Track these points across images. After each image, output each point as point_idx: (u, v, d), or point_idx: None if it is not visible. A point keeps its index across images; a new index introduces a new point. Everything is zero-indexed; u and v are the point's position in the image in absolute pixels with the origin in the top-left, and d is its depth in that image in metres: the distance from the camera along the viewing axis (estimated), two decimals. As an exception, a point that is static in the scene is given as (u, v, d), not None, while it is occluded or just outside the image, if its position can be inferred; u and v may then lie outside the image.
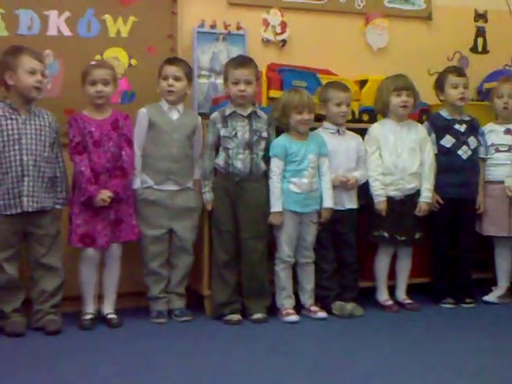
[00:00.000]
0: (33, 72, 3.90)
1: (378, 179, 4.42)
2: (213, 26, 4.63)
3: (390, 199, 4.44)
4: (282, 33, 4.87)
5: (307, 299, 4.35)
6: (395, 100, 4.48)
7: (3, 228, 3.89)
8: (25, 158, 3.90)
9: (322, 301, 4.38)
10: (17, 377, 3.27)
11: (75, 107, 4.17)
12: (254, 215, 4.23)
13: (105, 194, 4.01)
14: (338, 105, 4.39)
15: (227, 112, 4.24)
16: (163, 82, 4.22)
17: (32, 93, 3.92)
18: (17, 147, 3.89)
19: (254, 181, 4.24)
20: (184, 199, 4.26)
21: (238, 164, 4.20)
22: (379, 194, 4.43)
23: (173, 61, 4.27)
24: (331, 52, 4.94)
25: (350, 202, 4.43)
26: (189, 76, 4.28)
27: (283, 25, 4.86)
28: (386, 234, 4.45)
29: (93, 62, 4.13)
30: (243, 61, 4.28)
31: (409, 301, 4.57)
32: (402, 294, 4.62)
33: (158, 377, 3.27)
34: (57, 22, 4.32)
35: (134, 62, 4.48)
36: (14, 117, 3.92)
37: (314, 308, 4.32)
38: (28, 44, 4.06)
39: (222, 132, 4.21)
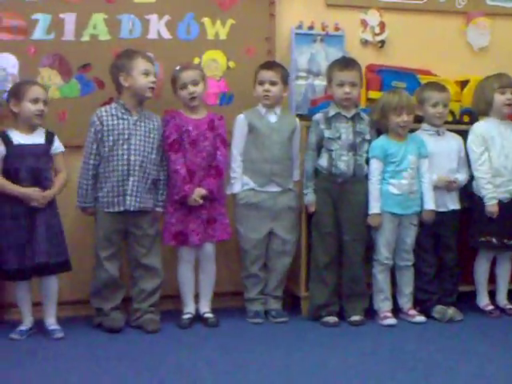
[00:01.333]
0: (147, 73, 4.00)
1: (490, 182, 4.29)
2: (311, 28, 4.61)
3: (498, 202, 4.31)
4: (380, 33, 4.80)
5: (405, 303, 4.27)
6: (500, 98, 4.35)
7: (105, 226, 3.99)
8: (132, 158, 3.98)
9: (422, 304, 4.29)
10: (114, 372, 3.34)
11: (175, 109, 4.21)
12: (356, 217, 4.19)
13: (199, 193, 4.04)
14: (434, 105, 4.30)
15: (331, 113, 4.21)
16: (259, 87, 4.23)
17: (147, 93, 4.03)
18: (125, 147, 3.98)
19: (357, 182, 4.20)
20: (285, 200, 4.25)
21: (342, 166, 4.16)
22: (492, 196, 4.29)
23: (269, 65, 4.28)
24: (431, 52, 4.84)
25: (453, 204, 4.33)
26: (285, 79, 4.27)
27: (382, 25, 4.80)
28: (494, 240, 4.31)
29: (178, 67, 4.17)
30: (348, 63, 4.24)
31: (510, 306, 4.43)
32: (503, 299, 4.48)
33: (253, 377, 3.28)
34: (157, 26, 4.39)
35: (232, 64, 4.50)
36: (125, 117, 4.02)
37: (412, 312, 4.23)
38: (129, 47, 4.15)
39: (326, 133, 4.19)
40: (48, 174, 3.90)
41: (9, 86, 4.08)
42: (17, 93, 3.87)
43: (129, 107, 4.04)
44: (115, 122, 4.00)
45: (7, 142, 3.83)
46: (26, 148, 3.85)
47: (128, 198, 3.98)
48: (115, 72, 4.06)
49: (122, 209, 3.98)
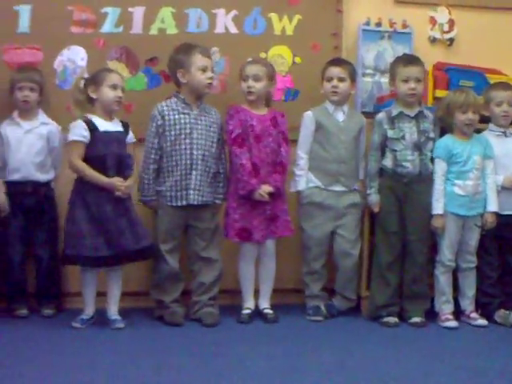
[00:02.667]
0: (204, 69, 4.01)
1: None
2: (378, 24, 4.56)
3: None
4: (449, 31, 4.72)
5: (467, 305, 4.20)
6: None
7: (168, 220, 4.02)
8: (194, 152, 4.00)
9: (484, 308, 4.22)
10: (172, 364, 3.35)
11: (238, 104, 4.21)
12: (422, 217, 4.14)
13: (265, 189, 4.04)
14: (499, 104, 4.21)
15: (394, 112, 4.16)
16: (327, 84, 4.20)
17: (205, 89, 4.04)
18: (188, 141, 4.01)
19: (423, 182, 4.14)
20: (349, 200, 4.22)
21: (408, 165, 4.12)
22: None
23: (337, 62, 4.25)
24: (501, 51, 4.73)
25: (520, 206, 4.25)
26: (352, 76, 4.24)
27: (451, 23, 4.71)
28: None
29: (249, 59, 4.18)
30: (413, 58, 4.20)
31: None
32: None
33: (310, 373, 3.25)
34: (224, 20, 4.40)
35: (297, 59, 4.48)
36: (186, 111, 4.04)
37: (474, 315, 4.16)
38: (196, 41, 4.16)
39: (390, 134, 4.14)
40: (130, 161, 3.95)
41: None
42: (96, 79, 3.91)
43: (189, 102, 4.05)
44: (176, 116, 4.02)
45: (92, 128, 3.85)
46: (112, 134, 3.89)
47: (191, 192, 4.00)
48: (173, 67, 4.08)
49: (185, 203, 4.00)
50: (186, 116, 4.03)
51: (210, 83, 4.06)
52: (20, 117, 4.09)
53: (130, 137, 3.99)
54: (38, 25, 4.22)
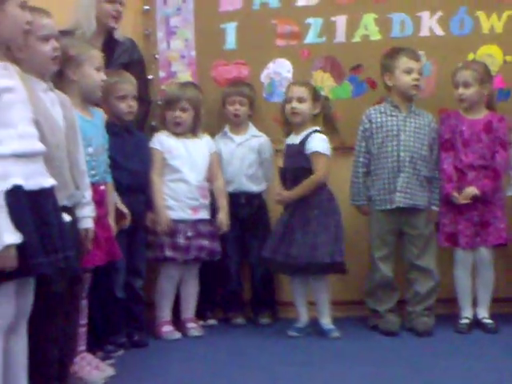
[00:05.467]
0: (409, 71, 3.95)
1: None
2: None
3: None
4: None
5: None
6: None
7: (379, 225, 3.99)
8: (402, 154, 3.95)
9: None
10: (387, 374, 3.29)
11: (449, 107, 4.11)
12: None
13: (469, 193, 3.90)
14: None
15: None
16: None
17: (411, 91, 4.00)
18: (395, 143, 3.97)
19: None
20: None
21: None
22: None
23: None
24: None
25: None
26: None
27: None
28: None
29: (460, 64, 4.05)
30: None
31: None
32: None
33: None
34: (429, 23, 4.29)
35: (508, 58, 4.27)
36: (394, 114, 4.01)
37: None
38: (399, 46, 4.09)
39: None
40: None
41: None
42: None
43: (397, 104, 4.02)
44: (384, 119, 4.01)
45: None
46: (292, 147, 3.98)
47: (398, 194, 3.95)
48: (381, 72, 4.08)
49: (393, 206, 3.95)
50: (394, 118, 4.00)
51: (416, 85, 3.99)
52: (231, 131, 4.23)
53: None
54: (244, 40, 4.34)
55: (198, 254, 3.97)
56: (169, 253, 3.92)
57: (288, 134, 4.03)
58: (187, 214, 3.98)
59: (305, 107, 3.94)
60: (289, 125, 4.03)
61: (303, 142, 3.91)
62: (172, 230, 3.93)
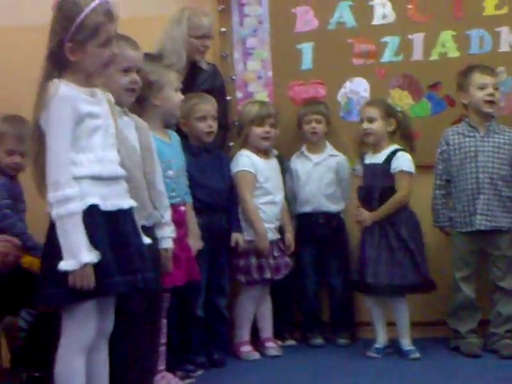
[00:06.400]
0: (483, 87, 3.89)
1: None
2: None
3: None
4: None
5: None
6: None
7: (460, 246, 3.92)
8: (481, 175, 3.87)
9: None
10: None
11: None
12: None
13: None
14: None
15: None
16: None
17: (485, 108, 3.90)
18: (473, 164, 3.90)
19: None
20: None
21: None
22: None
23: None
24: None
25: None
26: None
27: None
28: None
29: None
30: None
31: None
32: None
33: None
34: (508, 38, 4.22)
35: None
36: (472, 134, 3.94)
37: None
38: (478, 63, 4.04)
39: None
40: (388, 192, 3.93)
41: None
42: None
43: (475, 124, 3.94)
44: (461, 140, 3.94)
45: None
46: (373, 167, 3.95)
47: (478, 217, 3.86)
48: (457, 90, 4.03)
49: (473, 229, 3.88)
50: (471, 139, 3.93)
51: (490, 101, 3.90)
52: (308, 150, 4.23)
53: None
54: (320, 60, 4.36)
55: (285, 272, 4.01)
56: (267, 274, 3.94)
57: (364, 154, 4.03)
58: (275, 235, 4.04)
59: (375, 127, 3.93)
60: (364, 144, 4.03)
61: (388, 161, 3.90)
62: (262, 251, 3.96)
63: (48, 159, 2.42)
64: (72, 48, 2.45)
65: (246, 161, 4.01)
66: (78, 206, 2.39)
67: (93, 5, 2.45)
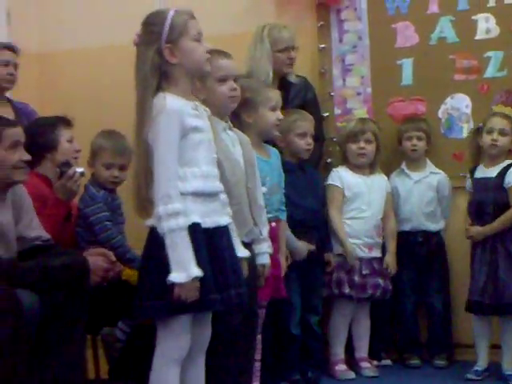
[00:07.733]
0: None
1: None
2: None
3: None
4: None
5: None
6: None
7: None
8: None
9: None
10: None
11: None
12: None
13: None
14: None
15: None
16: None
17: None
18: None
19: None
20: None
21: None
22: None
23: None
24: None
25: None
26: None
27: None
28: None
29: None
30: None
31: None
32: None
33: None
34: None
35: None
36: None
37: None
38: None
39: None
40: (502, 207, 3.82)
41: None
42: None
43: None
44: None
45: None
46: (486, 181, 3.86)
47: None
48: None
49: None
50: None
51: None
52: (409, 168, 4.17)
53: None
54: (421, 76, 4.29)
55: (373, 292, 3.94)
56: (346, 290, 3.91)
57: (474, 168, 3.93)
58: (363, 252, 3.97)
59: (506, 140, 3.84)
60: (478, 156, 3.93)
61: (501, 175, 3.81)
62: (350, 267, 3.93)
63: (157, 173, 2.45)
64: (170, 49, 2.51)
65: (334, 175, 4.04)
66: (186, 222, 2.43)
67: (173, 9, 2.56)
